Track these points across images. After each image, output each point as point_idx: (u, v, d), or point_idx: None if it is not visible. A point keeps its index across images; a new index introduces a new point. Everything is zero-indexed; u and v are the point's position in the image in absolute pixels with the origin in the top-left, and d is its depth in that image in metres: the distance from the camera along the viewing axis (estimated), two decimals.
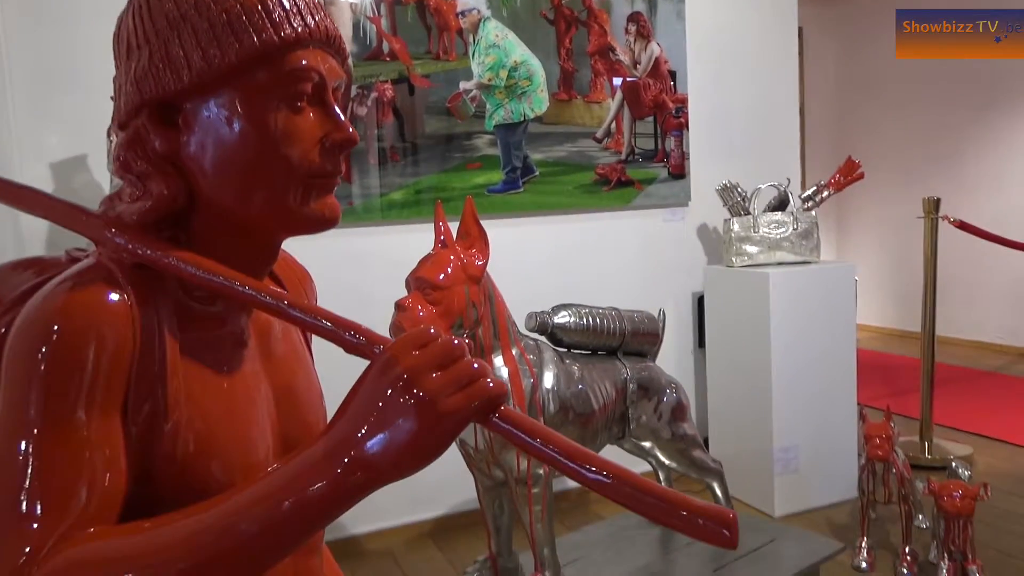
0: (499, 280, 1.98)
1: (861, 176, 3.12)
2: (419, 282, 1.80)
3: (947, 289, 5.42)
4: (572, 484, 3.18)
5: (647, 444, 2.27)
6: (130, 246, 0.61)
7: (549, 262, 3.11)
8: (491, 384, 0.55)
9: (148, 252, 0.61)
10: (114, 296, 0.58)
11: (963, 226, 3.49)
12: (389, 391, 0.52)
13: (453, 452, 2.81)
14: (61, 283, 0.59)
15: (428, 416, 0.52)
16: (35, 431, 0.53)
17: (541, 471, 1.93)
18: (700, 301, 3.39)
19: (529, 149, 3.05)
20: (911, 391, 3.63)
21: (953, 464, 2.41)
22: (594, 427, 2.11)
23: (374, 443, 0.52)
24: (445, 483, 2.89)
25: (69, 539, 0.51)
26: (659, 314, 2.40)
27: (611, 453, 2.77)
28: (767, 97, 3.54)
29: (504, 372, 1.91)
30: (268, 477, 0.53)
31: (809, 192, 3.14)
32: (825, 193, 3.09)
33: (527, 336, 2.06)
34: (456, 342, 0.55)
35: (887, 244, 6.70)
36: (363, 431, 0.52)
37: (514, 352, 1.95)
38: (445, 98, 2.90)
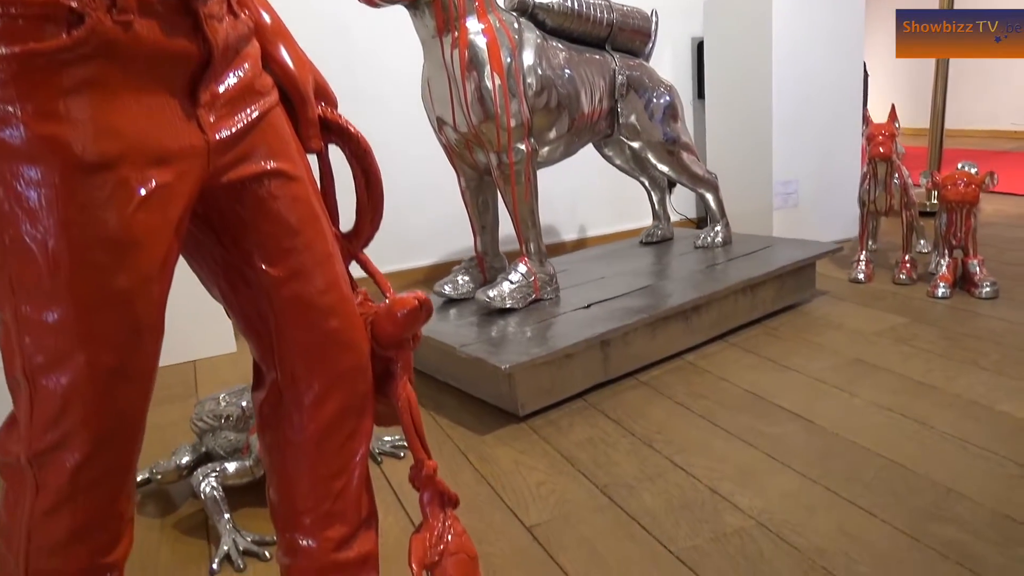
0: None
1: None
2: None
3: (961, 81, 5.16)
4: (567, 237, 3.12)
5: (637, 145, 2.17)
6: None
7: None
8: None
9: None
10: None
11: None
12: None
13: (442, 201, 2.73)
14: None
15: None
16: None
17: (523, 147, 1.84)
18: (699, 48, 3.20)
19: None
20: (919, 167, 3.51)
21: (960, 164, 2.30)
22: (581, 121, 2.00)
23: None
24: (436, 233, 2.84)
25: None
26: (651, 12, 2.24)
27: (612, 202, 2.64)
28: None
29: (481, 39, 1.77)
30: None
31: None
32: None
33: (507, 13, 1.91)
34: None
35: None
36: None
37: (491, 18, 1.80)
38: None
